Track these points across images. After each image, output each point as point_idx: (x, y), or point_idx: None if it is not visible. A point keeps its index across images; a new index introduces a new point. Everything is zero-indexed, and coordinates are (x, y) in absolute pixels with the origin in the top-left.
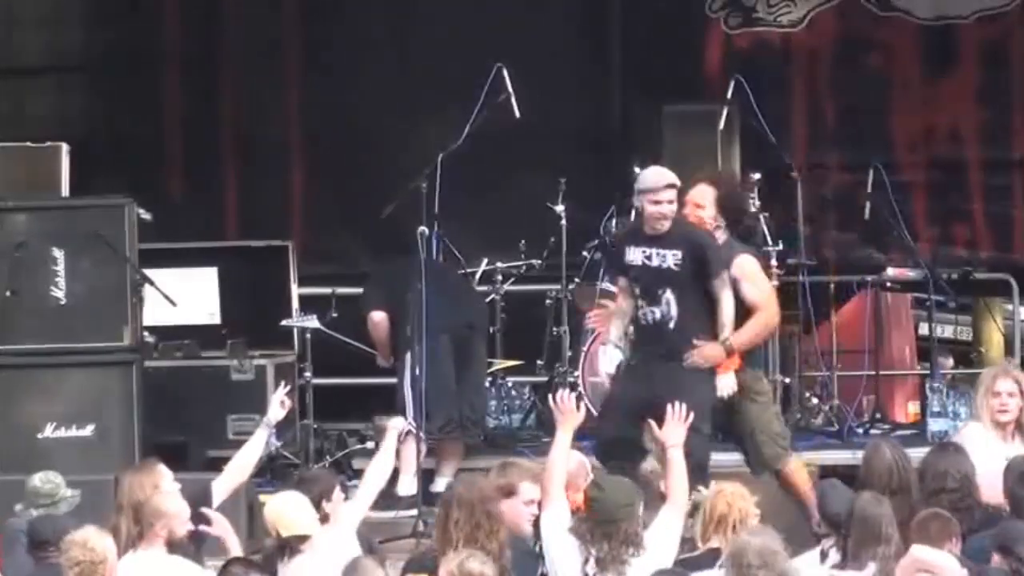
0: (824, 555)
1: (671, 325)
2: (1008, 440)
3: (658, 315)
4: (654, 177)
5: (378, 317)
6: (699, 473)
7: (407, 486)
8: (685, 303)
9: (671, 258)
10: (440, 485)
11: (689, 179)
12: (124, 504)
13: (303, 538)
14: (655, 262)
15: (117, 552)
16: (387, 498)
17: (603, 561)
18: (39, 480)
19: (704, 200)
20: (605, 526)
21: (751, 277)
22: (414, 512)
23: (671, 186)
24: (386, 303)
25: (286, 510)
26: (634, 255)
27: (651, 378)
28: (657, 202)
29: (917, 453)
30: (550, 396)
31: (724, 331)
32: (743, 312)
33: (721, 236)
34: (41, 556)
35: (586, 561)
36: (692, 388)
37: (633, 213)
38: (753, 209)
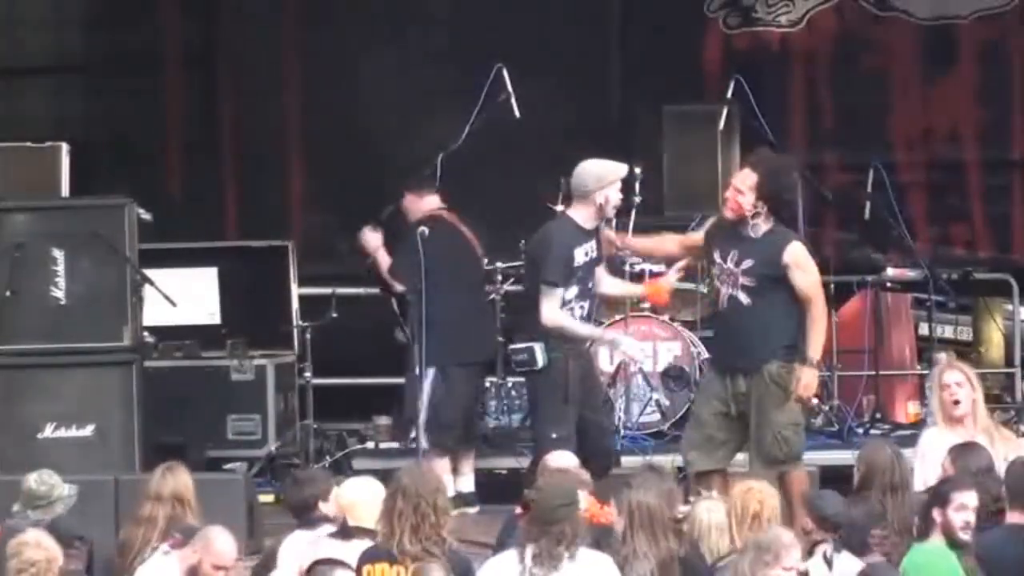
0: (827, 560)
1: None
2: (969, 435)
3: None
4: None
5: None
6: None
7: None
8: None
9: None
10: (462, 485)
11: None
12: (164, 495)
13: (368, 531)
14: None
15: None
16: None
17: (538, 557)
18: (34, 481)
19: (744, 185)
20: (543, 524)
21: (803, 265)
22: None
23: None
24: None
25: (365, 501)
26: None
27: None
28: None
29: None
30: None
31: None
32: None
33: (763, 224)
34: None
35: (522, 557)
36: None
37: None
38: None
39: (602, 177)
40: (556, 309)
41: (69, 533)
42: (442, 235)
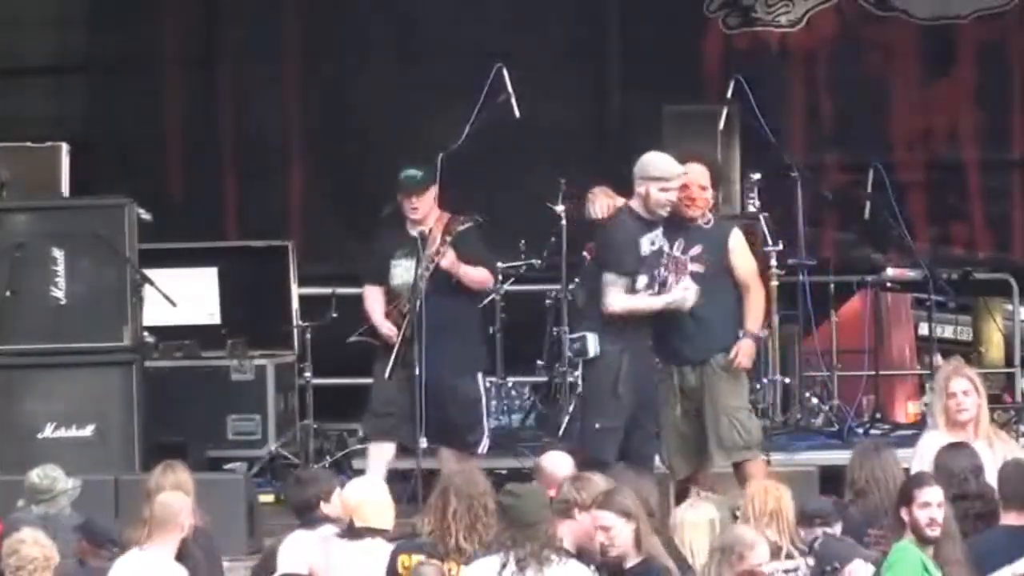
0: (816, 552)
1: None
2: (971, 440)
3: None
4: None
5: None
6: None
7: None
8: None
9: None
10: None
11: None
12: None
13: (378, 531)
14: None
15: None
16: None
17: (523, 562)
18: (37, 476)
19: (706, 181)
20: (526, 529)
21: (745, 250)
22: None
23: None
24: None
25: (371, 500)
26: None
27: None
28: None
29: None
30: None
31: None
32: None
33: (710, 213)
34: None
35: (503, 566)
36: None
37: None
38: (753, 209)
39: (644, 170)
40: (620, 295)
41: (104, 536)
42: None
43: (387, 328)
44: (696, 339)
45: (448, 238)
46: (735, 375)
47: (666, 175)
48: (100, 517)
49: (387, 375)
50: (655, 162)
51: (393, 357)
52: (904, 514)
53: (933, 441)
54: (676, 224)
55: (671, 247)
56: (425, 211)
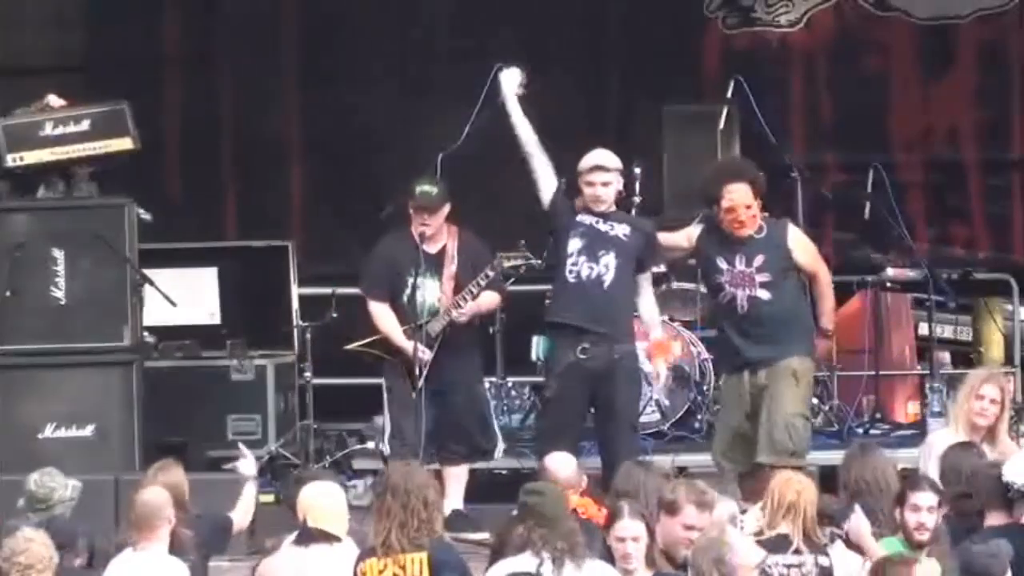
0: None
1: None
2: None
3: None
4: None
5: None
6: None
7: None
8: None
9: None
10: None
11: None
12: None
13: (329, 534)
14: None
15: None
16: None
17: (559, 559)
18: (34, 483)
19: (750, 199)
20: (554, 525)
21: (803, 243)
22: None
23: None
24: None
25: (322, 503)
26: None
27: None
28: (591, 184)
29: (917, 453)
30: None
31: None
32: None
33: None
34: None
35: (540, 564)
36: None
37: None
38: None
39: (580, 164)
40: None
41: (67, 533)
42: None
43: (421, 351)
44: (776, 342)
45: (490, 274)
46: (802, 380)
47: (584, 165)
48: (93, 520)
49: (414, 393)
50: (584, 158)
51: (424, 376)
52: (898, 514)
53: (944, 440)
54: (733, 241)
55: (734, 263)
56: (437, 227)
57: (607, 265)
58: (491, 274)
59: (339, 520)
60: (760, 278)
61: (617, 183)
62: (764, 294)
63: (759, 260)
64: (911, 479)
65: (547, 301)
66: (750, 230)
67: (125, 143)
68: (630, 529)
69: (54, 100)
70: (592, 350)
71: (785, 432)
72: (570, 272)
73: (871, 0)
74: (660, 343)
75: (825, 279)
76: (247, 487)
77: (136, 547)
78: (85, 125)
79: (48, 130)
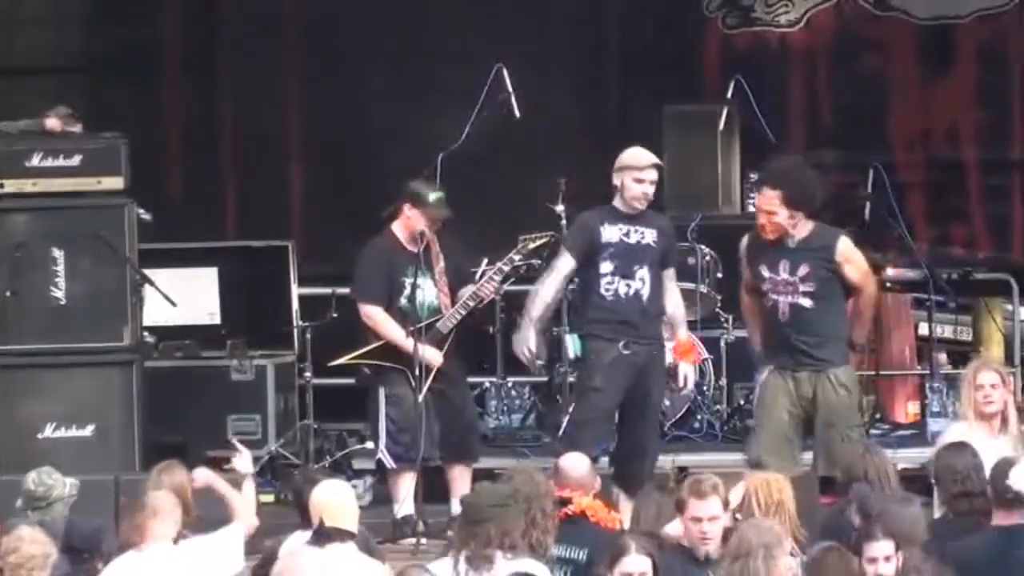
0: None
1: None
2: (994, 435)
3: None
4: (639, 156)
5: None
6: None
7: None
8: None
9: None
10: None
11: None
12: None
13: (345, 532)
14: (632, 239)
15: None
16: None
17: (472, 560)
18: (32, 482)
19: (771, 206)
20: (474, 527)
21: (854, 258)
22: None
23: (656, 166)
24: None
25: (337, 501)
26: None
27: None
28: (640, 180)
29: (917, 453)
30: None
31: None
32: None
33: (803, 228)
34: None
35: (456, 563)
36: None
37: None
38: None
39: (620, 161)
40: (545, 282)
41: (90, 539)
42: None
43: (431, 353)
44: (812, 351)
45: (515, 258)
46: (851, 390)
47: (633, 163)
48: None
49: (420, 396)
50: (629, 153)
51: (429, 379)
52: (856, 565)
53: (962, 433)
54: (776, 247)
55: (777, 270)
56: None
57: (643, 279)
58: (516, 258)
59: (354, 517)
60: (804, 287)
61: None
62: (807, 302)
63: (803, 270)
64: (863, 529)
65: (567, 303)
66: (773, 235)
67: (116, 182)
68: (637, 564)
69: (54, 124)
70: (634, 346)
71: (843, 446)
72: (606, 291)
73: (871, 0)
74: (686, 346)
75: (868, 297)
76: (246, 485)
77: (140, 548)
78: (76, 160)
79: (35, 161)
